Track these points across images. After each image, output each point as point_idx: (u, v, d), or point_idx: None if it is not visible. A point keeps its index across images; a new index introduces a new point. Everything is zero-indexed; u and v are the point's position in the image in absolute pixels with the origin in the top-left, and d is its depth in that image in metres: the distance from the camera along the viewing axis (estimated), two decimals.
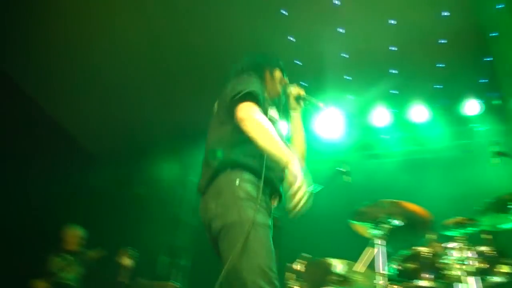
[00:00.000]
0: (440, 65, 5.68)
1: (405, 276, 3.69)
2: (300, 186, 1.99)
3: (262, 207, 2.15)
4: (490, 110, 5.93)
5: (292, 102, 2.87)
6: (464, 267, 3.57)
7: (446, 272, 3.60)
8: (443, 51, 5.54)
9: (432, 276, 3.60)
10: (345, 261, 3.94)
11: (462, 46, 5.41)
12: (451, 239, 3.80)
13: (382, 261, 3.66)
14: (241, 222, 2.03)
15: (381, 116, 6.06)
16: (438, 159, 5.83)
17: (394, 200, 3.74)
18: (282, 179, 2.25)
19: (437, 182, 5.27)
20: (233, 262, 1.94)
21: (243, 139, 2.21)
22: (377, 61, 5.64)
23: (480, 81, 5.93)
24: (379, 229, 3.77)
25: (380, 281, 3.55)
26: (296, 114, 2.89)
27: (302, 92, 2.87)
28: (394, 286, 3.64)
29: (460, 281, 3.56)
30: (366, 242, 3.91)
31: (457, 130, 6.07)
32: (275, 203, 2.39)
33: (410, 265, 3.72)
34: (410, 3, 5.15)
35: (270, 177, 2.25)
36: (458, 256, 3.62)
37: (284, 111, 2.87)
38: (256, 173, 2.22)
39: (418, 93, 5.95)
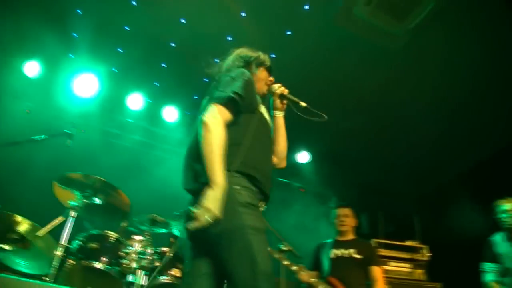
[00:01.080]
0: (206, 80, 6.02)
1: (84, 254, 3.68)
2: (202, 214, 2.00)
3: (259, 212, 2.19)
4: None
5: (276, 101, 2.77)
6: (141, 261, 3.77)
7: (123, 261, 3.73)
8: None
9: (109, 261, 3.69)
10: (31, 223, 3.70)
11: None
12: (140, 233, 3.98)
13: (68, 233, 3.58)
14: (242, 229, 2.04)
15: (135, 101, 6.06)
16: (168, 160, 6.07)
17: (102, 179, 3.73)
18: (270, 184, 2.32)
19: (155, 177, 5.47)
20: (237, 268, 2.00)
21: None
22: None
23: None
24: (77, 201, 3.69)
25: (58, 251, 3.44)
26: (279, 114, 2.77)
27: (286, 91, 2.76)
28: (70, 260, 3.59)
29: (133, 273, 3.75)
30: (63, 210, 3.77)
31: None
32: (262, 208, 2.33)
33: (93, 245, 3.73)
34: None
35: (264, 184, 2.27)
36: (139, 250, 3.80)
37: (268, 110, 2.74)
38: (251, 178, 2.22)
39: (178, 95, 6.16)
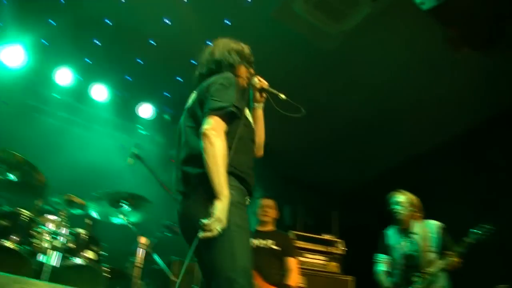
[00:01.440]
0: (139, 61, 5.92)
1: None
2: (214, 225, 2.07)
3: (244, 211, 2.27)
4: (160, 121, 6.47)
5: (256, 94, 2.78)
6: (53, 241, 3.67)
7: (34, 240, 3.62)
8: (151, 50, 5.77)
9: (19, 240, 3.56)
10: None
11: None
12: (56, 212, 3.87)
13: None
14: (228, 226, 2.11)
15: (63, 76, 5.82)
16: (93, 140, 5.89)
17: (18, 154, 3.59)
18: (253, 181, 2.41)
19: (77, 157, 5.30)
20: (218, 262, 2.11)
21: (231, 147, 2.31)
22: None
23: (164, 93, 6.42)
24: None
25: None
26: (258, 106, 2.79)
27: (265, 84, 2.76)
28: None
29: (44, 253, 3.64)
30: None
31: (123, 123, 6.32)
32: (247, 202, 2.40)
33: (3, 223, 3.58)
34: None
35: (249, 182, 2.37)
36: (53, 230, 3.70)
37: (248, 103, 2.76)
38: (239, 178, 2.31)
39: (109, 74, 5.99)
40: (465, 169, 5.89)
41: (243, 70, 2.71)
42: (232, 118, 2.35)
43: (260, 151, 2.79)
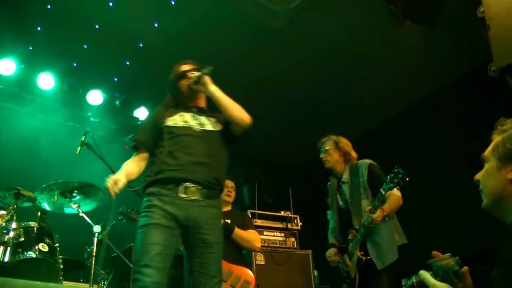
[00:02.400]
0: (85, 46, 5.72)
1: None
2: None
3: (150, 211, 2.66)
4: (110, 106, 6.31)
5: (198, 88, 2.95)
6: (3, 236, 3.57)
7: None
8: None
9: None
10: None
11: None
12: (3, 206, 3.76)
13: None
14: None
15: (6, 66, 5.56)
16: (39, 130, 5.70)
17: None
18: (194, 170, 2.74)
19: (23, 148, 5.13)
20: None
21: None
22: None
23: (114, 78, 6.26)
24: None
25: None
26: (209, 92, 2.93)
27: (191, 81, 2.95)
28: None
29: None
30: None
31: (72, 111, 6.14)
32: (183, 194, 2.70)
33: None
34: None
35: (175, 176, 2.71)
36: (1, 225, 3.60)
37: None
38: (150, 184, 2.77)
39: (55, 61, 5.76)
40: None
41: (182, 83, 3.03)
42: (136, 148, 2.99)
43: (241, 123, 2.89)
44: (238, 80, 5.74)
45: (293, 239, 5.43)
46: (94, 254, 3.86)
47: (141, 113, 6.49)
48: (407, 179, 3.36)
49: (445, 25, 4.48)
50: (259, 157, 7.42)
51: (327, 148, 4.03)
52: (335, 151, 4.00)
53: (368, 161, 3.90)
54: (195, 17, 5.33)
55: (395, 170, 3.38)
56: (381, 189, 3.44)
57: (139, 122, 6.37)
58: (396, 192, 3.56)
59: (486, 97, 5.13)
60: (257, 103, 6.40)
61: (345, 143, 4.04)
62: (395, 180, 3.37)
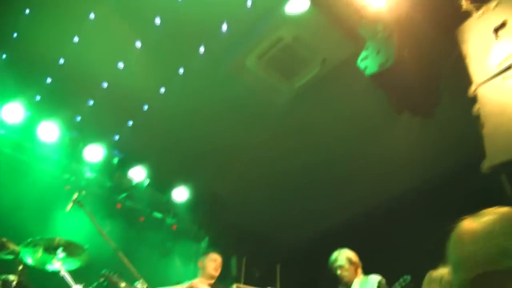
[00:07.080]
0: (91, 102, 5.84)
1: None
2: None
3: None
4: (108, 164, 6.33)
5: None
6: None
7: None
8: None
9: None
10: None
11: None
12: None
13: None
14: None
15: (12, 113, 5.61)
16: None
17: None
18: None
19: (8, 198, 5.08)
20: None
21: None
22: None
23: (115, 137, 6.32)
24: None
25: None
26: None
27: None
28: None
29: None
30: None
31: (69, 164, 6.13)
32: None
33: None
34: None
35: None
36: None
37: None
38: None
39: (59, 114, 5.85)
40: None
41: None
42: None
43: None
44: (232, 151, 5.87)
45: None
46: None
47: (137, 173, 6.47)
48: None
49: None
50: (250, 229, 7.32)
51: (342, 264, 4.43)
52: (350, 266, 4.41)
53: (378, 277, 4.29)
54: (202, 87, 5.50)
55: (402, 279, 3.93)
56: None
57: (133, 184, 6.37)
58: None
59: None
60: (254, 177, 6.49)
61: (354, 256, 4.49)
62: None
